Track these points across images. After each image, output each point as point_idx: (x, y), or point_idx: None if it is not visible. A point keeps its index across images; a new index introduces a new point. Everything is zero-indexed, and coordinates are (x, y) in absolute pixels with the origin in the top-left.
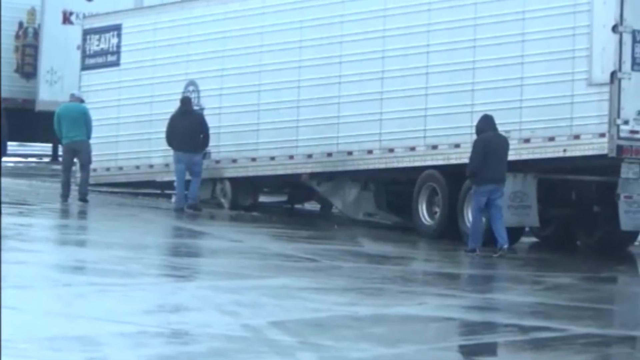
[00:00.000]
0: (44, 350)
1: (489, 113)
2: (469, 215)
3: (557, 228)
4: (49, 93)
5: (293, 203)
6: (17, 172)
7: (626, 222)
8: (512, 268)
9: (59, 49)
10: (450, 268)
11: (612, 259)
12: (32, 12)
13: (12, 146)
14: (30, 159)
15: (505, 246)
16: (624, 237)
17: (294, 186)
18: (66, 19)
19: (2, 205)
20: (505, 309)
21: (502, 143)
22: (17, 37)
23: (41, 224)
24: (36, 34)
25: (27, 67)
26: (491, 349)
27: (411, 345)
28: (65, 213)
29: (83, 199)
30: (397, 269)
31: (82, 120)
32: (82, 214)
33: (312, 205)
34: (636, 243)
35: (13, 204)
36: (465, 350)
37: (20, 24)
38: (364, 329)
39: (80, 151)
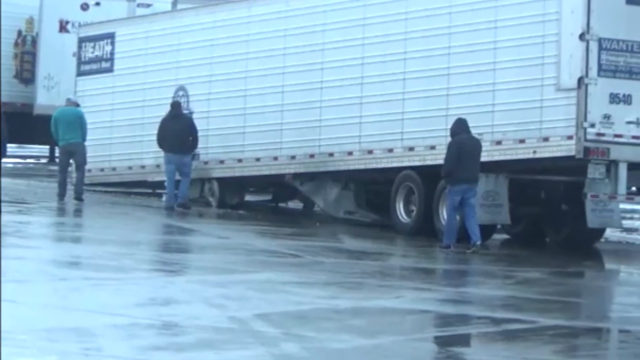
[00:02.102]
0: (41, 341)
1: (462, 117)
2: (443, 214)
3: (527, 225)
4: (46, 98)
5: (277, 202)
6: (16, 173)
7: (592, 220)
8: (485, 263)
9: (56, 56)
10: (426, 263)
11: (579, 254)
12: (30, 21)
13: (11, 148)
14: (28, 160)
15: (478, 243)
16: (591, 234)
17: (278, 186)
18: (62, 27)
19: (2, 204)
20: (478, 302)
21: (475, 145)
22: (16, 44)
23: (39, 221)
24: (34, 41)
25: (26, 73)
26: (465, 339)
27: (389, 337)
28: (61, 211)
29: (78, 197)
30: (376, 264)
31: (78, 124)
32: (78, 212)
33: (295, 204)
34: (602, 240)
35: (12, 202)
36: (440, 341)
37: (19, 32)
38: (344, 321)
39: (75, 152)
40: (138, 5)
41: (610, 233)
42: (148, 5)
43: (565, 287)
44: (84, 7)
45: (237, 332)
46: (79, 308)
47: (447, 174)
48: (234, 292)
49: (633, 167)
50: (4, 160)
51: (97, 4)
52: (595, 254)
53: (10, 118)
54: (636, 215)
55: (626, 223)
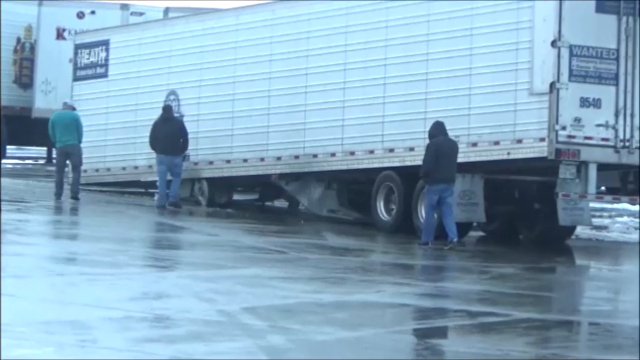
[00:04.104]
0: (39, 334)
1: (440, 119)
2: (422, 212)
3: (502, 223)
4: (44, 102)
5: (264, 201)
6: (15, 173)
7: (564, 218)
8: (461, 259)
9: (53, 62)
10: (405, 259)
11: (551, 251)
12: (29, 29)
13: (10, 149)
14: (27, 161)
15: (455, 240)
16: (562, 231)
17: (265, 185)
18: (59, 34)
19: (2, 203)
20: (454, 296)
21: (452, 146)
22: (15, 51)
23: (37, 219)
24: (33, 48)
25: (25, 78)
26: (442, 332)
27: (370, 329)
28: (58, 210)
29: (75, 197)
30: (358, 260)
31: (74, 126)
32: (74, 210)
33: (281, 203)
34: (573, 237)
35: (11, 201)
36: (419, 333)
37: (18, 39)
38: (328, 314)
39: (72, 154)
40: (131, 14)
41: (581, 230)
42: (141, 14)
43: (537, 282)
44: (80, 15)
45: (225, 324)
46: (75, 302)
47: (425, 174)
48: (223, 286)
49: (602, 167)
50: (3, 161)
51: (93, 12)
52: (567, 250)
53: (9, 121)
54: (605, 214)
55: (596, 221)
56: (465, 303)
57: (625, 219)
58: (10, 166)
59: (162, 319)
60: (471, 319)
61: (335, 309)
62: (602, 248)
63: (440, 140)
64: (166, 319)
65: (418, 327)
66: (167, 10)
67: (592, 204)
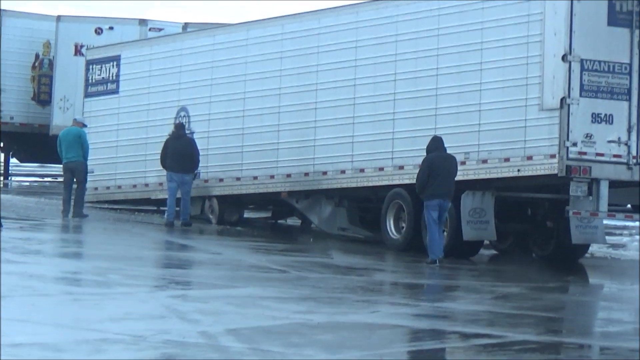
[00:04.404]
0: (4, 357)
1: (438, 135)
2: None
3: (514, 241)
4: (62, 119)
5: (277, 219)
6: (30, 191)
7: (577, 236)
8: (468, 278)
9: (71, 79)
10: (410, 278)
11: (563, 270)
12: (47, 45)
13: (31, 167)
14: (45, 179)
15: (435, 260)
16: (576, 249)
17: (277, 203)
18: (77, 51)
19: (7, 220)
20: (452, 317)
21: (447, 162)
22: (33, 67)
23: (38, 237)
24: (51, 64)
25: (43, 95)
26: (430, 355)
27: (355, 351)
28: (62, 228)
29: (78, 214)
30: (360, 279)
31: (78, 143)
32: (78, 228)
33: (293, 221)
34: (588, 255)
35: (16, 219)
36: (404, 356)
37: (37, 56)
38: (314, 335)
39: (76, 170)
40: (150, 30)
41: (597, 249)
42: (160, 30)
43: (542, 302)
44: (98, 31)
45: (202, 347)
46: (51, 323)
47: (420, 190)
48: (212, 306)
49: (617, 184)
50: (21, 179)
51: (111, 28)
52: (579, 269)
53: (29, 138)
54: (626, 232)
55: (614, 239)
56: (461, 324)
57: None
58: (27, 184)
59: (139, 341)
60: (463, 341)
61: (323, 330)
62: (616, 267)
63: (434, 155)
64: (142, 340)
65: (406, 349)
66: (186, 26)
67: (614, 222)
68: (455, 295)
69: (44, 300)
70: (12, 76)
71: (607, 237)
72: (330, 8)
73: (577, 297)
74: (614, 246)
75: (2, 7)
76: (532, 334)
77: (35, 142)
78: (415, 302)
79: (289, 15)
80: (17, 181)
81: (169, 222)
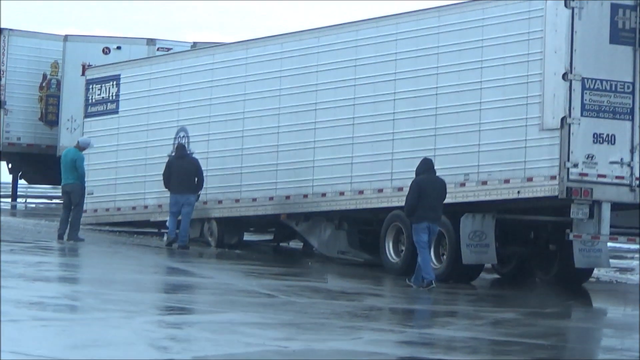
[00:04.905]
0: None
1: (429, 157)
2: (431, 253)
3: (517, 265)
4: (69, 139)
5: (278, 241)
6: (33, 213)
7: (580, 260)
8: (464, 303)
9: (78, 99)
10: (402, 303)
11: (564, 294)
12: (55, 65)
13: (42, 188)
14: (54, 200)
15: (414, 283)
16: (579, 273)
17: (279, 225)
18: (85, 70)
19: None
20: (435, 344)
21: (436, 185)
22: (41, 87)
23: (25, 260)
24: (59, 84)
25: (51, 115)
26: None
27: None
28: (52, 251)
29: (72, 237)
30: (349, 304)
31: (72, 166)
32: (71, 251)
33: (296, 244)
34: (593, 279)
35: (9, 242)
36: None
37: (44, 76)
38: None
39: (72, 193)
40: (158, 49)
41: (604, 272)
42: (168, 49)
43: (534, 329)
44: (106, 51)
45: None
46: (8, 350)
47: (409, 213)
48: (186, 333)
49: (626, 207)
50: (29, 200)
51: (119, 48)
52: (581, 293)
53: (36, 159)
54: (637, 255)
55: (623, 263)
56: (443, 352)
57: None
58: (32, 205)
59: None
60: None
61: (297, 357)
62: (620, 291)
63: (423, 178)
64: None
65: None
66: (194, 45)
67: (625, 245)
68: (445, 321)
69: (9, 326)
70: (19, 96)
71: (617, 261)
72: (329, 26)
73: (574, 323)
74: (622, 270)
75: (10, 27)
76: None
77: (43, 164)
78: (402, 328)
79: (288, 34)
80: (23, 203)
81: (169, 242)
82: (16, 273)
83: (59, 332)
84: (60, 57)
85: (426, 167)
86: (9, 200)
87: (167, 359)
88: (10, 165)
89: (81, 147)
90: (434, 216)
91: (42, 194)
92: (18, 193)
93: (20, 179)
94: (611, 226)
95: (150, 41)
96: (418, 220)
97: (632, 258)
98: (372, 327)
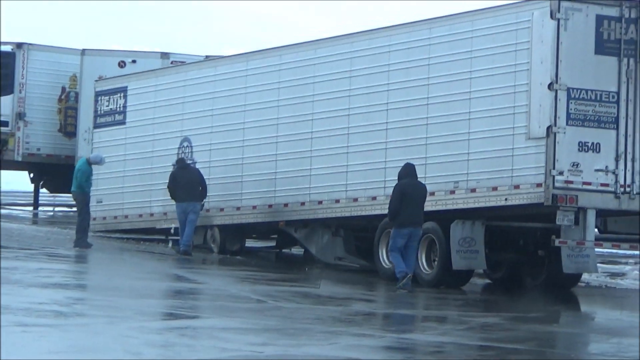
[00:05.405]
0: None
1: (410, 162)
2: (422, 259)
3: (507, 270)
4: (86, 150)
5: (281, 248)
6: (49, 220)
7: (568, 266)
8: (450, 308)
9: None
10: (389, 309)
11: (552, 299)
12: (73, 78)
13: (63, 197)
14: (73, 209)
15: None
16: (568, 278)
17: (281, 232)
18: None
19: (5, 250)
20: (411, 349)
21: (418, 190)
22: (60, 100)
23: (26, 267)
24: (77, 97)
25: (69, 127)
26: None
27: None
28: (55, 257)
29: (79, 244)
30: (336, 309)
31: (75, 175)
32: (72, 258)
33: (298, 250)
34: (582, 284)
35: (15, 248)
36: None
37: (63, 89)
38: None
39: (76, 200)
40: (172, 63)
41: (594, 277)
42: (181, 63)
43: (513, 333)
44: (121, 64)
45: None
46: None
47: (392, 217)
48: (164, 338)
49: (611, 214)
50: (48, 208)
51: (134, 61)
52: (569, 298)
53: (58, 169)
54: (631, 260)
55: (616, 268)
56: (416, 356)
57: None
58: (51, 213)
59: None
60: None
61: None
62: (609, 296)
63: (405, 183)
64: None
65: None
66: (207, 58)
67: (622, 251)
68: (427, 325)
69: None
70: (39, 109)
71: (609, 266)
72: (326, 38)
73: (555, 328)
74: (612, 275)
75: (30, 42)
76: None
77: (63, 173)
78: (383, 333)
79: (286, 46)
80: (43, 211)
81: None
82: (13, 279)
83: (37, 338)
84: (78, 71)
85: (408, 172)
86: (31, 208)
87: None
88: (32, 175)
89: (91, 162)
90: (417, 222)
91: (63, 202)
92: (43, 201)
93: (42, 188)
94: (609, 232)
95: (164, 55)
96: (400, 226)
97: (625, 263)
98: (353, 332)
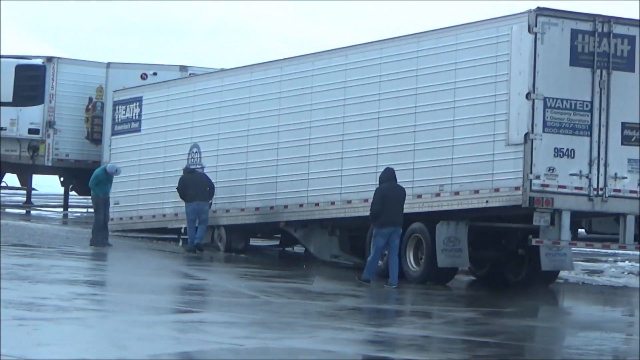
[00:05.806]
0: None
1: (390, 166)
2: (410, 257)
3: (490, 268)
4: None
5: (284, 246)
6: (74, 220)
7: (546, 263)
8: (431, 303)
9: None
10: (374, 304)
11: (530, 295)
12: (100, 89)
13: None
14: None
15: (394, 286)
16: (546, 276)
17: (283, 231)
18: None
19: (23, 248)
20: (388, 342)
21: (398, 192)
22: (87, 109)
23: (39, 264)
24: (103, 107)
25: (96, 134)
26: None
27: None
28: (70, 255)
29: (94, 242)
30: (324, 304)
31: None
32: (84, 255)
33: (300, 248)
34: (561, 280)
35: (33, 246)
36: None
37: (90, 99)
38: None
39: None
40: (190, 75)
41: (573, 274)
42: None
43: (486, 327)
44: (144, 76)
45: None
46: None
47: (374, 217)
48: (152, 332)
49: (585, 215)
50: (74, 209)
51: (155, 74)
52: (547, 294)
53: (86, 173)
54: (611, 259)
55: (594, 266)
56: (391, 350)
57: (626, 263)
58: (78, 214)
59: None
60: None
61: (247, 356)
62: (585, 292)
63: (386, 186)
64: None
65: None
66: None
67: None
68: (406, 320)
69: None
70: (67, 117)
71: (589, 264)
72: (322, 51)
73: (528, 322)
74: (590, 272)
75: (59, 55)
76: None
77: (89, 177)
78: (362, 327)
79: (286, 59)
80: (72, 212)
81: (191, 248)
82: (24, 275)
83: (30, 331)
84: (104, 82)
85: (388, 176)
86: (61, 209)
87: (121, 357)
88: (62, 179)
89: (107, 172)
90: (397, 221)
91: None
92: (73, 203)
93: (71, 190)
94: (594, 232)
95: (183, 68)
96: (381, 226)
97: (605, 261)
98: (335, 326)
